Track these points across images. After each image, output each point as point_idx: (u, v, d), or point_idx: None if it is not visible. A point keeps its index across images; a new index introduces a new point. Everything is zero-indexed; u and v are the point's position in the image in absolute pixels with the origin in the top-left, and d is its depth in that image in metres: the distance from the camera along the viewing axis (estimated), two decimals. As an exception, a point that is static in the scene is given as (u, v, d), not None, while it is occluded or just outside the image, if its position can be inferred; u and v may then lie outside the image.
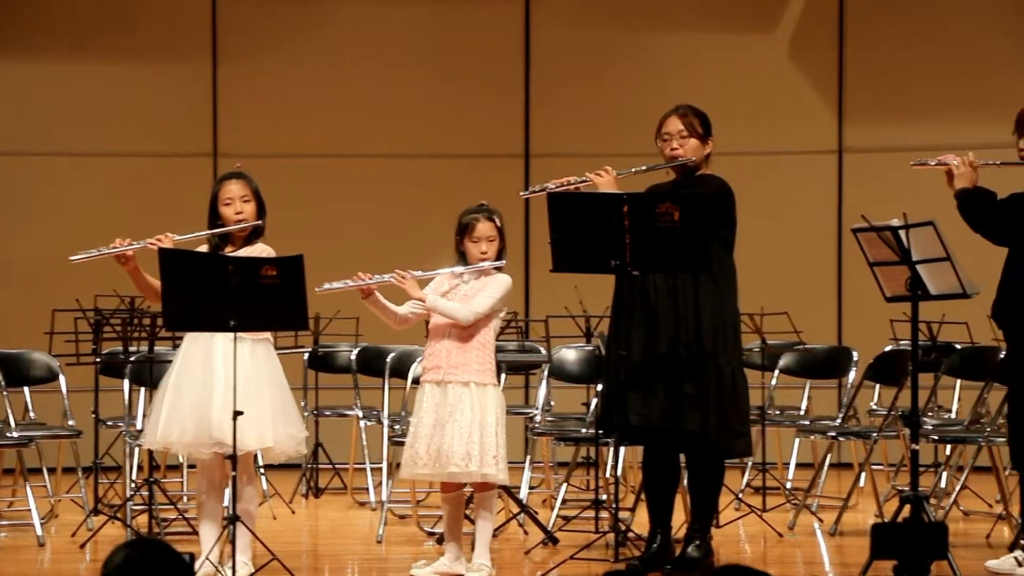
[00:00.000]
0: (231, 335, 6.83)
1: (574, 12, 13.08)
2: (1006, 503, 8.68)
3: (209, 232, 7.21)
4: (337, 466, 10.74)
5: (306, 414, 10.44)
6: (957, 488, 9.06)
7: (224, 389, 6.93)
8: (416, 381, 7.76)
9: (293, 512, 9.81)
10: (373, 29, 12.96)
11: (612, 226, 7.02)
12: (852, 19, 12.92)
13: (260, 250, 7.14)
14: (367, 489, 10.09)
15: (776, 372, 10.26)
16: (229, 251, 7.16)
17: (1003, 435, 8.30)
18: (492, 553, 7.32)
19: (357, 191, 12.83)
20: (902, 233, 7.02)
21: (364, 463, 10.19)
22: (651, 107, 7.88)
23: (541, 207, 7.28)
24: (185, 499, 9.24)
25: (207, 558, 7.04)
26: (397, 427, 9.09)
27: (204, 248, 7.21)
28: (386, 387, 9.32)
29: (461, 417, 7.09)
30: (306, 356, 10.52)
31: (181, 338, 7.38)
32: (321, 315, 10.37)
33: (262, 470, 9.62)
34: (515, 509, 8.73)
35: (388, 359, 9.39)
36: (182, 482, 9.51)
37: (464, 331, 7.15)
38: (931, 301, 7.24)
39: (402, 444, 7.46)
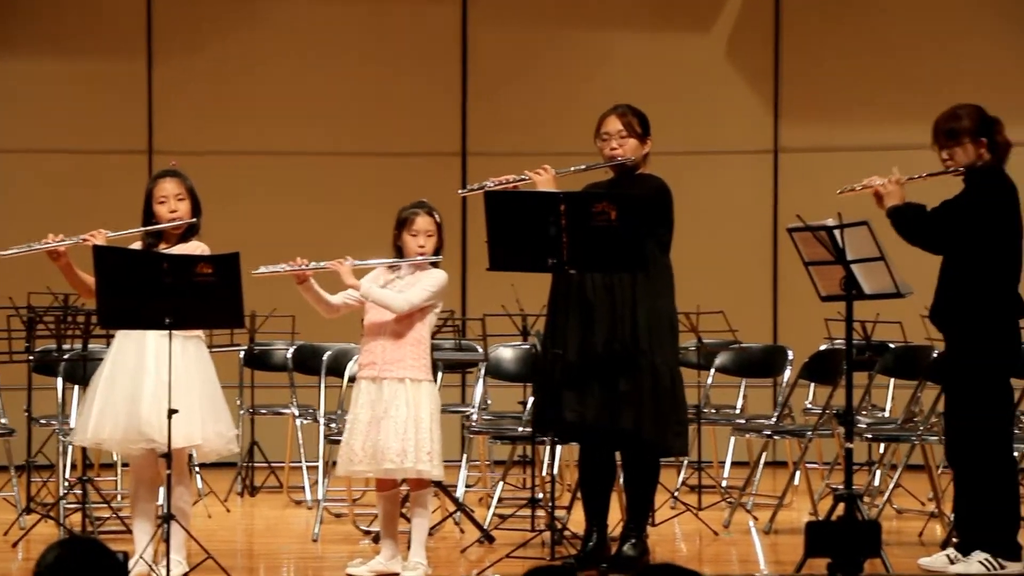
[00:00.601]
0: (163, 332, 6.79)
1: (512, 10, 13.08)
2: (939, 501, 8.75)
3: (143, 229, 7.17)
4: (273, 464, 10.70)
5: (242, 412, 10.41)
6: (890, 486, 9.11)
7: (154, 386, 6.90)
8: (352, 379, 7.75)
9: (228, 511, 9.77)
10: (310, 27, 12.92)
11: (549, 225, 7.03)
12: (788, 19, 12.98)
13: (195, 248, 7.11)
14: (303, 487, 10.05)
15: (712, 371, 10.29)
16: (163, 249, 7.12)
17: (936, 433, 8.36)
18: (428, 551, 7.32)
19: (293, 189, 12.79)
20: (837, 233, 7.06)
21: (300, 461, 10.15)
22: (589, 106, 7.89)
23: (478, 206, 7.28)
24: (119, 498, 9.19)
25: (141, 557, 7.01)
26: (333, 425, 9.07)
27: (138, 246, 7.17)
28: (322, 385, 9.29)
29: (396, 413, 7.09)
30: (242, 354, 10.47)
31: (115, 335, 7.33)
32: (257, 313, 10.33)
33: (197, 469, 9.58)
34: (451, 507, 8.72)
35: (324, 357, 9.36)
36: (116, 480, 9.45)
37: (400, 328, 7.14)
38: (865, 300, 7.28)
39: (338, 442, 7.44)
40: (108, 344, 7.40)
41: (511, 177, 7.33)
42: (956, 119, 7.20)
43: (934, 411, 8.51)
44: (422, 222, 7.22)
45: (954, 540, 7.43)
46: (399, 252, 7.26)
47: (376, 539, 7.79)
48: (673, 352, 7.35)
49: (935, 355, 8.87)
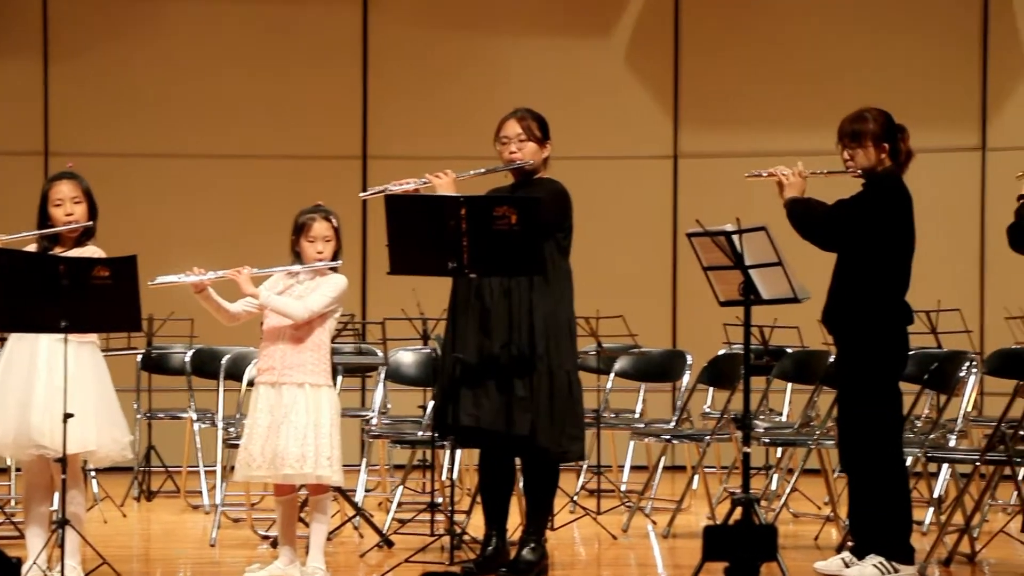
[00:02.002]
0: (56, 336, 6.72)
1: (413, 14, 13.07)
2: (834, 505, 8.83)
3: (38, 232, 7.08)
4: (170, 469, 10.62)
5: (139, 417, 10.32)
6: (787, 490, 9.19)
7: (45, 391, 6.83)
8: (251, 383, 7.70)
9: (124, 516, 9.69)
10: (209, 28, 12.84)
11: (450, 229, 7.03)
12: (687, 26, 13.06)
13: (91, 252, 7.02)
14: (200, 492, 9.98)
15: (611, 375, 10.34)
16: (59, 253, 7.04)
17: (832, 438, 8.43)
18: (327, 556, 7.28)
19: (192, 192, 12.71)
20: (735, 238, 7.10)
21: (198, 466, 10.08)
22: (490, 110, 7.89)
23: (379, 209, 7.27)
24: (13, 503, 9.07)
25: (35, 563, 6.92)
26: (232, 429, 9.01)
27: (32, 249, 7.08)
28: (221, 389, 9.23)
29: (296, 418, 7.05)
30: (139, 357, 10.39)
31: (7, 339, 7.24)
32: (155, 316, 10.24)
33: (92, 473, 9.49)
34: (350, 512, 8.69)
35: (223, 361, 9.30)
36: (10, 485, 9.33)
37: (299, 332, 7.11)
38: (763, 305, 7.33)
39: (237, 446, 7.39)
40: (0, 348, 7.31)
41: (412, 180, 7.32)
42: (862, 121, 7.27)
43: (830, 415, 8.58)
44: (319, 227, 7.19)
45: (849, 544, 7.49)
46: (297, 257, 7.22)
47: (274, 544, 7.75)
48: (571, 356, 7.36)
49: (832, 360, 8.96)
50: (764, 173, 7.40)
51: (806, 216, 7.25)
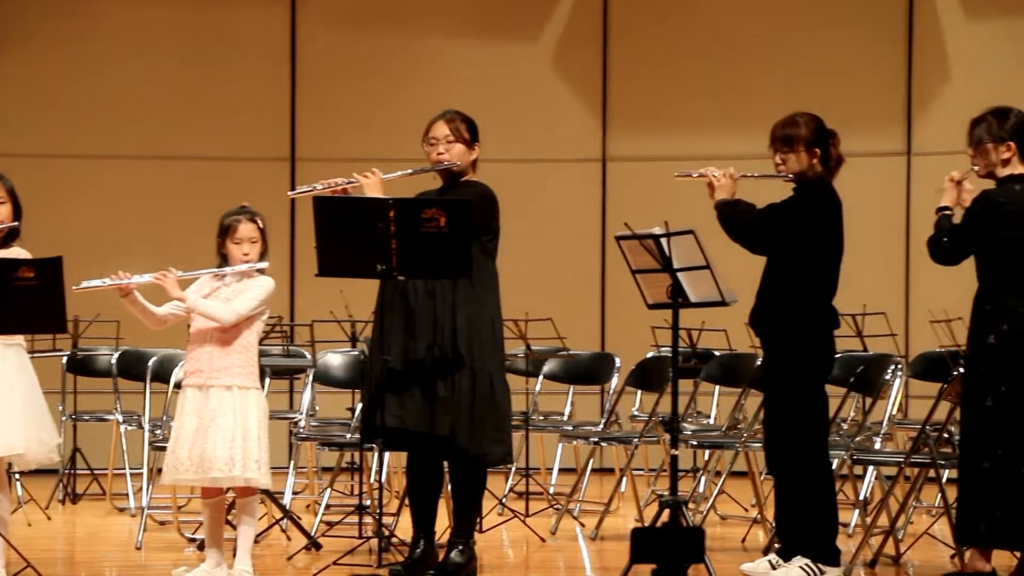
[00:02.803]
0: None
1: (341, 15, 13.05)
2: (761, 507, 8.87)
3: (-39, 234, 7.01)
4: (96, 471, 10.55)
5: (64, 419, 10.25)
6: (715, 493, 9.23)
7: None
8: (178, 385, 7.65)
9: (49, 518, 9.62)
10: (136, 28, 12.76)
11: (378, 231, 7.02)
12: (615, 29, 13.09)
13: (15, 253, 6.97)
14: (127, 494, 9.93)
15: (540, 378, 10.35)
16: (-16, 252, 6.98)
17: (759, 440, 8.48)
18: (254, 559, 7.25)
19: (119, 193, 12.63)
20: (664, 241, 7.12)
21: (124, 468, 10.03)
22: (419, 112, 7.89)
23: (308, 211, 7.24)
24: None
25: (-42, 566, 6.86)
26: (159, 432, 8.97)
27: (-45, 251, 7.02)
28: (147, 391, 9.17)
29: (223, 421, 7.02)
30: (64, 359, 10.31)
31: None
32: (80, 318, 10.16)
33: (17, 476, 9.41)
34: (278, 514, 8.66)
35: (150, 363, 9.24)
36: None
37: (226, 335, 7.07)
38: (691, 308, 7.36)
39: (164, 449, 7.35)
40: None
41: (340, 180, 7.31)
42: (794, 126, 7.30)
43: (757, 418, 8.63)
44: (245, 229, 7.16)
45: (776, 546, 7.53)
46: (224, 259, 7.19)
47: (201, 547, 7.72)
48: (494, 359, 7.35)
49: (759, 363, 9.00)
50: (694, 174, 7.42)
51: (736, 219, 7.28)
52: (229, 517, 7.58)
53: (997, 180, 6.95)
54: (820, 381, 7.26)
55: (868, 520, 8.10)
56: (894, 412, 8.75)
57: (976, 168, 6.99)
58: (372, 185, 7.27)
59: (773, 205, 7.29)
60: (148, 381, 9.19)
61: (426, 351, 7.22)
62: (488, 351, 7.29)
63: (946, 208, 7.05)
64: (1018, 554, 7.08)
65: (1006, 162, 6.93)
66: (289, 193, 7.69)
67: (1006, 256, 6.86)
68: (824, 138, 7.31)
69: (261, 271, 7.19)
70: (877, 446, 8.72)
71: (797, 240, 7.20)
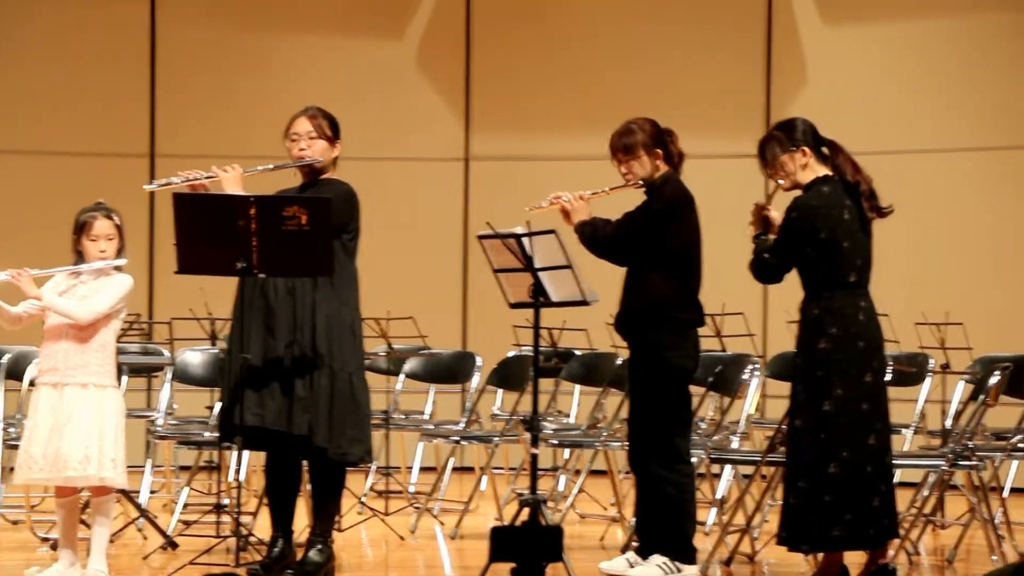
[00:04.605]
0: None
1: (201, 11, 12.94)
2: (620, 506, 8.93)
3: None
4: (-53, 471, 10.36)
5: (-86, 417, 10.05)
6: (574, 491, 9.27)
7: None
8: (32, 383, 7.54)
9: (-103, 519, 9.44)
10: (-7, 20, 12.57)
11: (239, 228, 6.97)
12: (478, 29, 13.11)
13: None
14: (-22, 495, 9.76)
15: (401, 376, 10.34)
16: None
17: (619, 439, 8.53)
18: (109, 559, 7.17)
19: (-28, 188, 12.43)
20: (525, 241, 7.15)
21: (-24, 468, 9.86)
22: (281, 109, 7.83)
23: (167, 207, 7.17)
24: None
25: None
26: (12, 430, 8.83)
27: None
28: (1, 389, 9.03)
29: (79, 420, 6.93)
30: (-86, 357, 10.11)
31: None
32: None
33: None
34: (134, 514, 8.57)
35: (3, 360, 9.10)
36: None
37: (83, 332, 6.99)
38: (553, 308, 7.39)
39: (17, 447, 7.24)
40: None
41: (200, 173, 7.24)
42: (631, 133, 7.37)
43: (617, 417, 8.68)
44: (101, 226, 7.07)
45: (634, 544, 7.59)
46: (80, 257, 7.10)
47: (54, 546, 7.61)
48: (354, 358, 7.32)
49: (619, 362, 9.06)
50: (545, 204, 7.46)
51: (596, 236, 7.34)
52: (84, 516, 7.49)
53: (803, 187, 7.03)
54: (685, 380, 7.33)
55: (725, 518, 8.18)
56: (751, 411, 8.84)
57: (781, 183, 7.07)
58: (231, 180, 7.22)
59: (628, 214, 7.36)
60: (1, 379, 9.04)
61: (285, 349, 7.18)
62: (348, 350, 7.26)
63: (760, 234, 7.13)
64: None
65: (805, 167, 7.02)
66: (146, 186, 7.61)
67: (826, 259, 6.93)
68: (662, 138, 7.39)
69: (118, 268, 7.11)
70: (734, 445, 8.81)
71: (656, 242, 7.26)
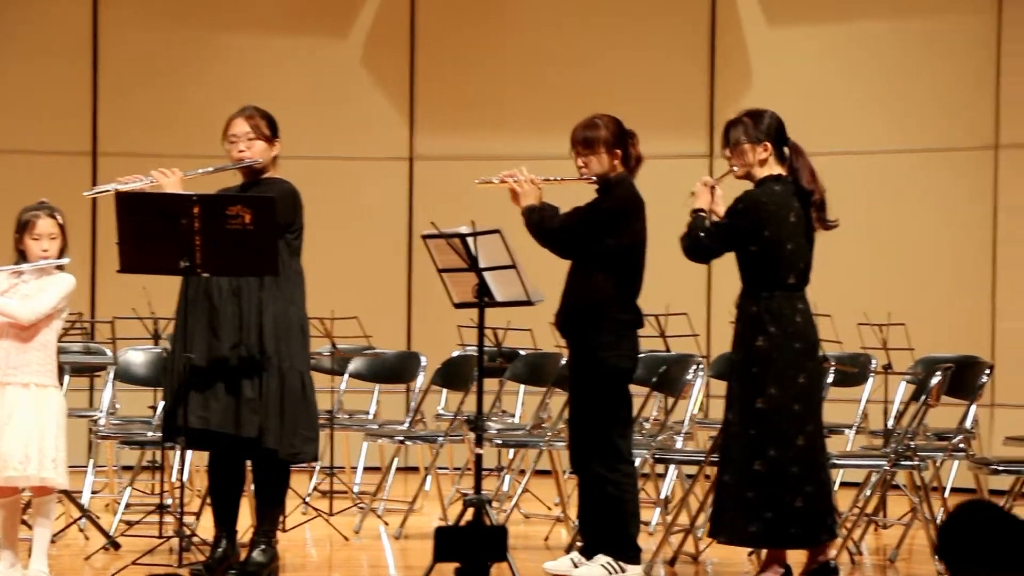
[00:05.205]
0: None
1: (145, 9, 12.87)
2: (564, 506, 8.94)
3: None
4: None
5: None
6: (519, 491, 9.28)
7: None
8: (-27, 383, 7.48)
9: None
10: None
11: (182, 227, 6.94)
12: (423, 29, 13.10)
13: None
14: (-81, 495, 9.66)
15: (346, 376, 10.32)
16: None
17: (563, 439, 8.54)
18: (51, 559, 7.13)
19: (-87, 185, 12.33)
20: (470, 240, 7.14)
21: (-84, 468, 9.76)
22: (224, 109, 7.80)
23: (109, 206, 7.14)
24: None
25: None
26: (-48, 430, 8.75)
27: None
28: (-59, 389, 8.95)
29: (20, 419, 6.89)
30: None
31: None
32: None
33: None
34: (76, 514, 8.52)
35: (-56, 360, 9.02)
36: None
37: (24, 332, 6.94)
38: (497, 308, 7.39)
39: (-44, 448, 7.18)
40: None
41: (140, 178, 7.21)
42: (594, 128, 7.36)
43: (562, 417, 8.69)
44: (43, 224, 7.03)
45: (578, 544, 7.59)
46: (22, 256, 7.05)
47: (-4, 548, 7.55)
48: (303, 357, 7.31)
49: (563, 362, 9.07)
50: (495, 179, 7.44)
51: (543, 224, 7.33)
52: (25, 517, 7.44)
53: (756, 181, 7.06)
54: (625, 380, 7.34)
55: (669, 518, 8.20)
56: (695, 412, 8.87)
57: (735, 169, 7.10)
58: (171, 184, 7.18)
59: (578, 208, 7.35)
60: (-58, 378, 8.97)
61: (231, 350, 7.15)
62: (297, 349, 7.25)
63: (700, 210, 7.16)
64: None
65: (763, 163, 7.05)
66: (85, 193, 7.57)
67: (768, 258, 6.97)
68: (624, 139, 7.38)
69: (61, 268, 7.07)
70: (679, 445, 8.84)
71: (600, 241, 7.27)
